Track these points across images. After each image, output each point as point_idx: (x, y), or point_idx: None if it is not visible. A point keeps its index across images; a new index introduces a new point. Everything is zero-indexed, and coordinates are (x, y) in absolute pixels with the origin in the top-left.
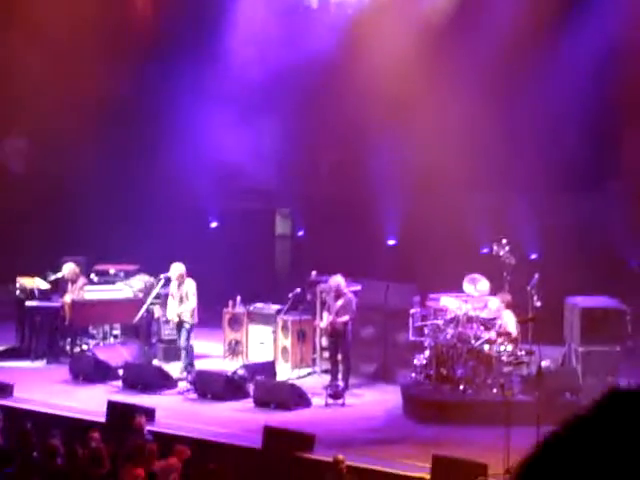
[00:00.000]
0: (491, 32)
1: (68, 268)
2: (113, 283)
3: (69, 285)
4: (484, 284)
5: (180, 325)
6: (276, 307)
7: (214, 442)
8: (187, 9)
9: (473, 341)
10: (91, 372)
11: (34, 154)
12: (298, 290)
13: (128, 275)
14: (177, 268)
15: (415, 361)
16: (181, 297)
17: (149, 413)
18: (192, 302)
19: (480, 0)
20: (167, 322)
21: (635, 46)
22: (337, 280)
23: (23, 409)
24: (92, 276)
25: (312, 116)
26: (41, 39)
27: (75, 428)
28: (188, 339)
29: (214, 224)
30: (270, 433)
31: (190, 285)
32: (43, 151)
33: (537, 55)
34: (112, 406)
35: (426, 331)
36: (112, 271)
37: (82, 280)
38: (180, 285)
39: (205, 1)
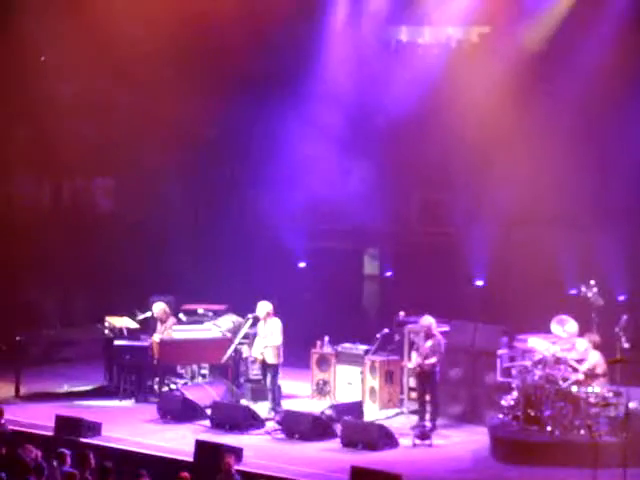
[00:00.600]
0: (583, 67)
1: (158, 307)
2: (201, 323)
3: (158, 324)
4: (572, 325)
5: (265, 364)
6: (364, 347)
7: None
8: (280, 46)
9: (561, 382)
10: (179, 412)
11: (122, 193)
12: (386, 330)
13: (216, 315)
14: (264, 307)
15: (503, 402)
16: (267, 336)
17: (237, 453)
18: (277, 340)
19: (571, 38)
20: (255, 362)
21: None
22: (428, 320)
23: (111, 448)
24: (180, 315)
25: (401, 157)
26: (129, 79)
27: (163, 468)
28: (275, 378)
29: (302, 264)
30: (357, 473)
31: (276, 324)
32: (131, 190)
33: (629, 94)
34: (200, 446)
35: (514, 372)
36: (200, 311)
37: (171, 320)
38: (267, 324)
39: (298, 39)
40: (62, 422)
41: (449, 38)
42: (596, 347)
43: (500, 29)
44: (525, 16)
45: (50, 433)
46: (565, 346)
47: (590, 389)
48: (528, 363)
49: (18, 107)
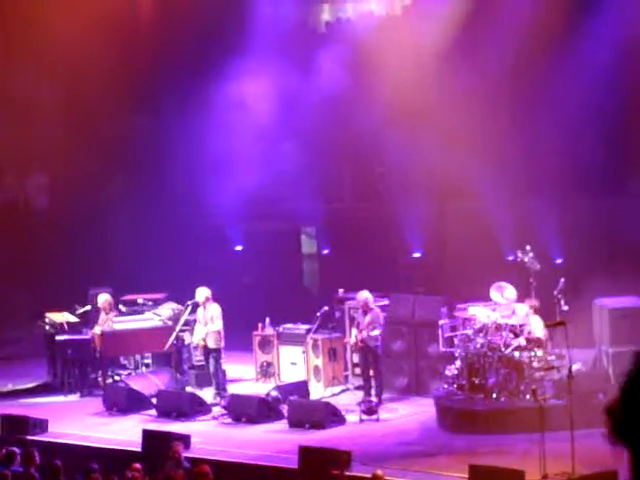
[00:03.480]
0: (505, 37)
1: (103, 298)
2: (142, 313)
3: (102, 315)
4: (511, 291)
5: (207, 350)
6: (305, 327)
7: (252, 465)
8: (205, 32)
9: (503, 349)
10: (125, 403)
11: (57, 189)
12: (326, 308)
13: (156, 304)
14: (202, 292)
15: (447, 372)
16: (207, 321)
17: (185, 440)
18: (217, 325)
19: (492, 6)
20: (197, 348)
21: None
22: (364, 295)
23: (59, 444)
24: (120, 306)
25: (331, 134)
26: (57, 76)
27: (113, 460)
28: (218, 363)
29: (239, 247)
30: (306, 453)
31: (215, 309)
32: (65, 185)
33: (554, 58)
34: (148, 435)
35: (456, 342)
36: (140, 301)
37: (111, 311)
38: (206, 309)
39: (221, 26)
40: (8, 421)
41: (372, 13)
42: (536, 312)
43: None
44: None
45: None
46: (505, 312)
47: (533, 354)
48: (469, 332)
49: None
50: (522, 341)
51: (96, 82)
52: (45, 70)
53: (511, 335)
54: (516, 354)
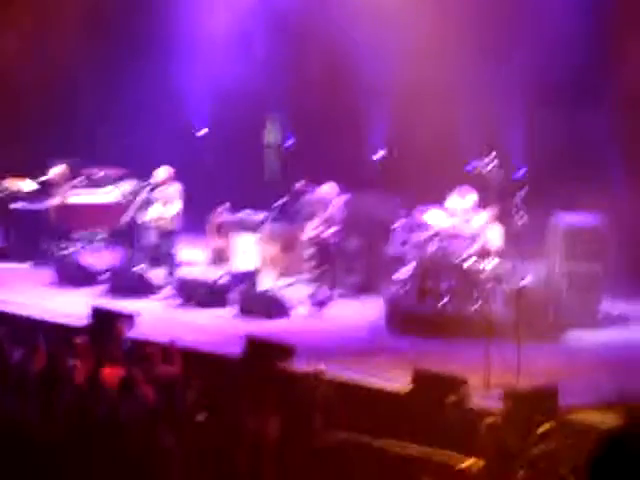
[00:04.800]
0: None
1: (60, 169)
2: (101, 186)
3: (58, 187)
4: (472, 197)
5: (162, 230)
6: (263, 216)
7: (195, 350)
8: None
9: (457, 256)
10: (75, 276)
11: (27, 49)
12: (285, 199)
13: (117, 179)
14: (164, 171)
15: (398, 274)
16: (165, 201)
17: (130, 319)
18: (176, 206)
19: None
20: (151, 227)
21: None
22: (326, 190)
23: (5, 313)
24: (80, 179)
25: (302, 24)
26: None
27: (58, 333)
28: (172, 245)
29: (203, 131)
30: (251, 343)
31: (175, 188)
32: (43, 50)
33: None
34: (95, 311)
35: (410, 245)
36: (101, 174)
37: (69, 182)
38: (165, 189)
39: None
40: None
41: None
42: (495, 219)
43: None
44: None
45: None
46: (464, 218)
47: (486, 263)
48: (425, 235)
49: None
50: (477, 249)
51: None
52: None
53: (466, 242)
54: (470, 262)
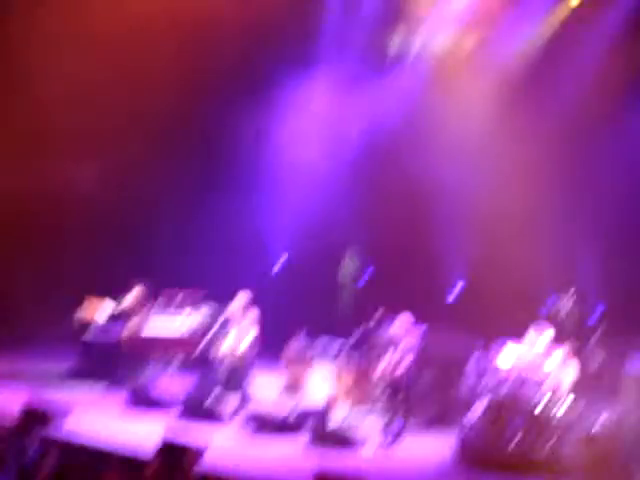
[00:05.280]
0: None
1: (137, 293)
2: (180, 310)
3: (133, 313)
4: (549, 333)
5: (239, 359)
6: (338, 346)
7: None
8: (270, 50)
9: (529, 400)
10: (148, 401)
11: (107, 176)
12: (362, 330)
13: (195, 303)
14: (241, 299)
15: (471, 412)
16: (242, 328)
17: (200, 453)
18: (252, 332)
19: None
20: (228, 355)
21: None
22: (404, 321)
23: (75, 443)
24: (157, 303)
25: (385, 158)
26: (122, 63)
27: (128, 464)
28: (245, 376)
29: (280, 262)
30: (321, 478)
31: (252, 316)
32: (116, 175)
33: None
34: (166, 444)
35: (482, 387)
36: (180, 295)
37: (145, 310)
38: (244, 315)
39: (289, 46)
40: (27, 412)
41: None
42: (572, 356)
43: (496, 33)
44: (520, 20)
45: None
46: (538, 358)
47: (558, 407)
48: (498, 377)
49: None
50: (549, 393)
51: (159, 71)
52: (109, 57)
53: (539, 388)
54: (541, 407)
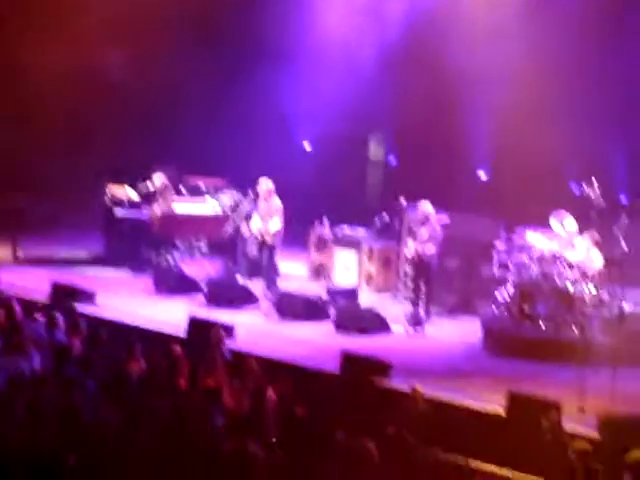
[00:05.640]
0: None
1: (159, 180)
2: (202, 196)
3: (159, 196)
4: (571, 222)
5: (263, 244)
6: (362, 232)
7: (291, 364)
8: None
9: (557, 280)
10: (175, 285)
11: (133, 63)
12: (385, 216)
13: (217, 190)
14: (265, 184)
15: (497, 296)
16: (266, 215)
17: (228, 330)
18: (277, 223)
19: None
20: (253, 239)
21: None
22: (426, 208)
23: (105, 318)
24: (181, 188)
25: (410, 44)
26: None
27: (156, 341)
28: (272, 258)
29: (307, 147)
30: (348, 358)
31: (277, 206)
32: (141, 61)
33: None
34: (193, 321)
35: (510, 266)
36: (201, 185)
37: (171, 192)
38: (267, 202)
39: None
40: (57, 289)
41: None
42: (596, 245)
43: None
44: None
45: (45, 299)
46: (564, 243)
47: (586, 288)
48: (525, 258)
49: None
50: (577, 274)
51: None
52: None
53: (567, 267)
54: (569, 287)
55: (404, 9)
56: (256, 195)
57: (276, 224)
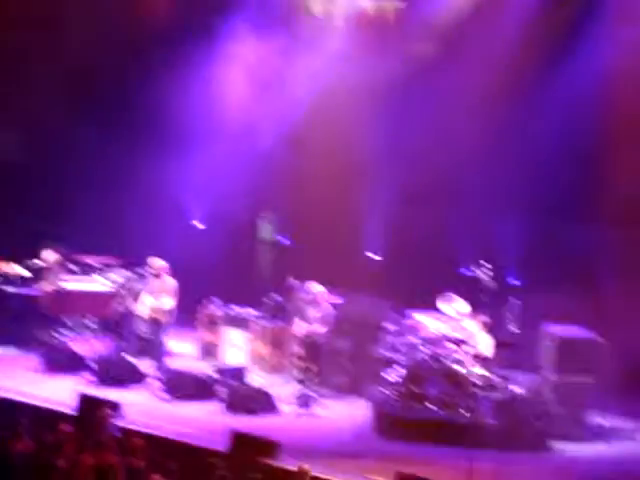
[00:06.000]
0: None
1: (49, 256)
2: (92, 274)
3: (49, 273)
4: (461, 305)
5: (155, 322)
6: (252, 312)
7: (179, 442)
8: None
9: (446, 361)
10: (64, 362)
11: (23, 142)
12: (275, 296)
13: (108, 268)
14: (157, 263)
15: (387, 377)
16: (158, 293)
17: (116, 408)
18: (170, 301)
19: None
20: (142, 318)
21: (625, 74)
22: (315, 288)
23: None
24: (71, 266)
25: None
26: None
27: (44, 419)
28: (161, 336)
29: (199, 225)
30: (237, 438)
31: (170, 282)
32: (31, 139)
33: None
34: (82, 398)
35: (400, 348)
36: (90, 261)
37: (61, 269)
38: (159, 281)
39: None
40: None
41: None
42: (485, 328)
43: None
44: None
45: None
46: (454, 325)
47: (476, 371)
48: (415, 340)
49: None
50: (467, 357)
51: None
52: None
53: (457, 349)
54: (459, 368)
55: (305, 87)
56: (150, 274)
57: (169, 302)
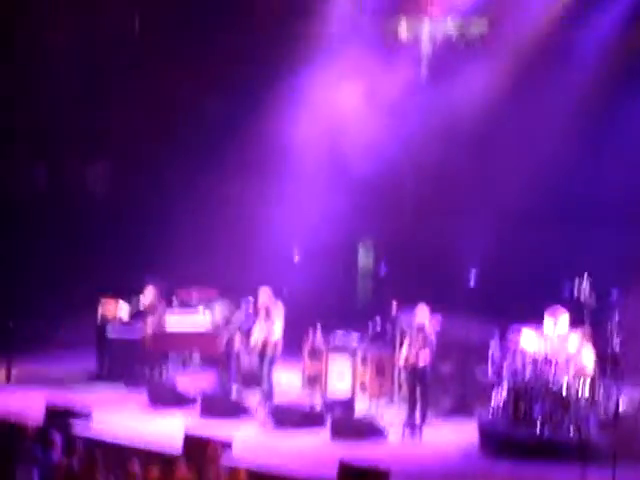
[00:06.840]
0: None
1: (150, 294)
2: (194, 309)
3: (149, 313)
4: (565, 318)
5: (263, 354)
6: (355, 338)
7: (290, 477)
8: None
9: (551, 381)
10: (169, 399)
11: (118, 175)
12: (378, 322)
13: (210, 301)
14: (264, 293)
15: (493, 399)
16: (267, 325)
17: (226, 445)
18: (278, 332)
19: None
20: (247, 352)
21: None
22: (423, 313)
23: (100, 438)
24: (173, 300)
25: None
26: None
27: (152, 458)
28: (270, 369)
29: (296, 257)
30: (345, 468)
31: (278, 309)
32: (128, 172)
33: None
34: (188, 438)
35: (505, 368)
36: (194, 296)
37: (163, 307)
38: (266, 312)
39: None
40: (52, 411)
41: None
42: (588, 341)
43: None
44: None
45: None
46: (557, 341)
47: (580, 388)
48: (519, 360)
49: None
50: (571, 374)
51: (173, 67)
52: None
53: (560, 368)
54: (563, 387)
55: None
56: (253, 305)
57: (278, 331)
